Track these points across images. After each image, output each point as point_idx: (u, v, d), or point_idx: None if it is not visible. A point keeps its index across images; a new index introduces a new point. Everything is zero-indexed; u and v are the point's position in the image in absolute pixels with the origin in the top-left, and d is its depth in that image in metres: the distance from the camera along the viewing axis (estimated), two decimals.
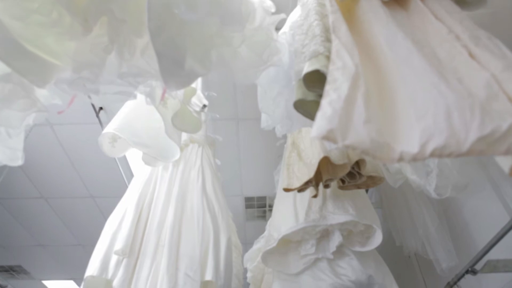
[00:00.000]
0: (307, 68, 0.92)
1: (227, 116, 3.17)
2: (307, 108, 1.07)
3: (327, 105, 0.60)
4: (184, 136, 2.27)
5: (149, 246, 1.74)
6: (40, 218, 4.40)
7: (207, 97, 2.72)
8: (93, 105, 3.06)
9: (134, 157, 3.24)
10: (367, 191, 2.88)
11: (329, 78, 0.65)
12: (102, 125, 2.93)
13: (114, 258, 1.72)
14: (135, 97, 1.25)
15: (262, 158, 3.47)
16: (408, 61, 0.72)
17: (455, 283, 1.72)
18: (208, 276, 1.65)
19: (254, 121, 3.22)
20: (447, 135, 0.57)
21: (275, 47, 1.13)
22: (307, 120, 1.60)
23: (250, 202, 4.02)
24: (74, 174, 3.79)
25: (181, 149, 2.20)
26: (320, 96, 1.06)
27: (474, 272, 1.58)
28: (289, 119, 1.54)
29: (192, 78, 1.09)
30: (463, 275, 1.66)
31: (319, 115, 0.59)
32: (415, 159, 0.57)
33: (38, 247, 4.96)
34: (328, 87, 0.63)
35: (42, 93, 1.24)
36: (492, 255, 1.67)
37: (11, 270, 5.43)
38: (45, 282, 5.73)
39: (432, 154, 0.56)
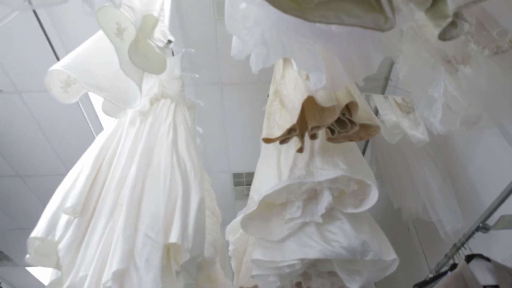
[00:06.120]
0: None
1: (210, 80, 2.91)
2: None
3: None
4: (155, 90, 2.02)
5: (105, 205, 1.50)
6: (17, 199, 4.15)
7: (185, 54, 2.46)
8: None
9: None
10: (363, 154, 2.64)
11: None
12: None
13: (64, 218, 1.48)
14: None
15: (250, 129, 3.21)
16: None
17: (462, 244, 1.47)
18: (173, 238, 1.40)
19: (240, 87, 2.96)
20: None
21: None
22: (287, 48, 1.35)
23: (238, 179, 3.77)
24: (49, 149, 3.53)
25: (151, 104, 1.95)
26: None
27: (486, 228, 1.34)
28: (265, 46, 1.28)
29: None
30: (473, 233, 1.42)
31: None
32: None
33: (18, 230, 4.71)
34: None
35: None
36: (504, 211, 1.43)
37: None
38: (29, 269, 5.49)
39: None
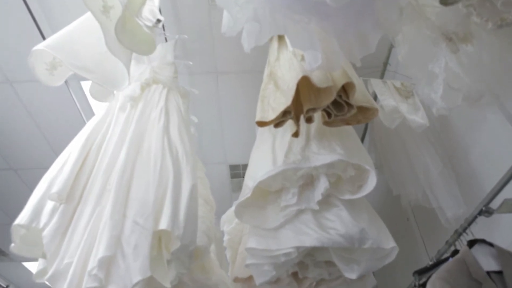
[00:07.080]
0: None
1: (205, 69, 2.84)
2: None
3: None
4: (146, 75, 1.96)
5: (93, 191, 1.44)
6: (12, 193, 4.07)
7: (178, 41, 2.39)
8: None
9: None
10: (362, 141, 2.58)
11: None
12: (67, 82, 2.58)
13: (49, 205, 1.42)
14: None
15: (246, 118, 3.13)
16: None
17: (464, 229, 1.42)
18: (163, 225, 1.34)
19: (236, 75, 2.89)
20: None
21: None
22: (281, 25, 1.29)
23: (235, 171, 3.71)
24: (43, 141, 3.47)
25: (142, 89, 1.89)
26: None
27: (489, 212, 1.29)
28: (257, 22, 1.22)
29: None
30: (475, 218, 1.36)
31: None
32: None
33: None
34: None
35: None
36: (507, 195, 1.38)
37: None
38: (25, 264, 5.44)
39: None
